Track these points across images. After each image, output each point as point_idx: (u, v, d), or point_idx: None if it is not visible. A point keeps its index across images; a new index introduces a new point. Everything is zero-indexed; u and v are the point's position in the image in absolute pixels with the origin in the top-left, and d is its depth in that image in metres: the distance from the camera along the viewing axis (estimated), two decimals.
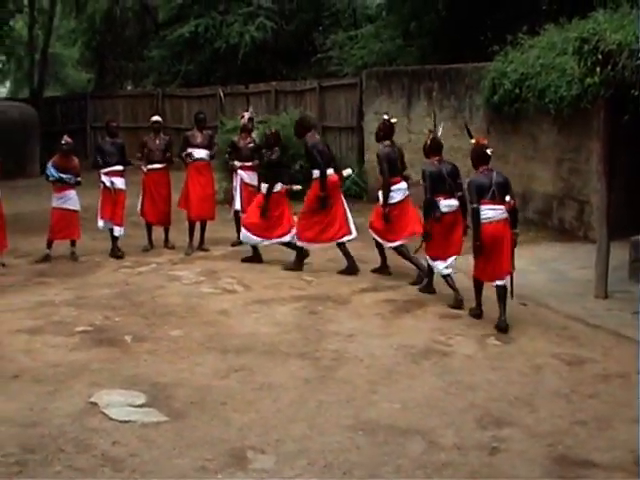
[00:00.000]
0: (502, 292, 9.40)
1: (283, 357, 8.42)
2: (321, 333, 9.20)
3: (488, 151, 10.00)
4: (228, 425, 6.74)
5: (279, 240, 12.60)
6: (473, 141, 10.32)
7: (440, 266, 10.51)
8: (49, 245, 13.42)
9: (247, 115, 14.65)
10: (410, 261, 11.57)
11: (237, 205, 14.11)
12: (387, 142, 11.91)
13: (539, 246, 13.65)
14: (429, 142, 10.86)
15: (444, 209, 10.33)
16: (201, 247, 13.97)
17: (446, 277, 10.57)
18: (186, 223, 14.06)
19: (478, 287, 9.85)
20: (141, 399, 7.32)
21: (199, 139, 14.03)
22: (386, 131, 11.98)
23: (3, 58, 40.38)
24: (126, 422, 6.82)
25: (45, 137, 26.49)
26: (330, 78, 23.00)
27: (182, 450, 6.28)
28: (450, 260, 10.48)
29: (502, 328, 9.18)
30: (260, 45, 26.94)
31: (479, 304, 9.84)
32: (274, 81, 24.72)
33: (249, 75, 25.97)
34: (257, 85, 24.78)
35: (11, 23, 32.58)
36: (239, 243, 13.75)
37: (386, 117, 12.22)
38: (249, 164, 14.05)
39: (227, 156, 14.52)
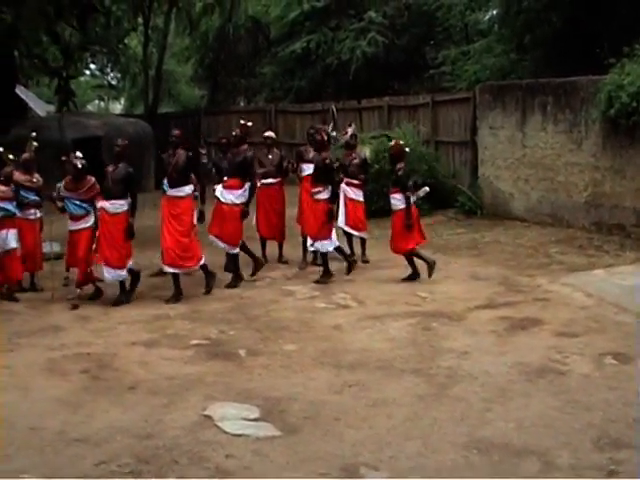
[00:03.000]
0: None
1: (397, 373, 8.35)
2: (435, 350, 9.10)
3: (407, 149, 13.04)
4: (341, 441, 6.70)
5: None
6: (392, 143, 13.34)
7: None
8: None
9: (350, 131, 14.63)
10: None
11: (341, 221, 14.11)
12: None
13: None
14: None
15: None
16: (314, 262, 14.00)
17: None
18: (300, 238, 14.11)
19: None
20: (255, 413, 7.34)
21: (312, 154, 14.07)
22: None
23: (118, 75, 41.40)
24: (240, 436, 6.84)
25: (160, 153, 26.97)
26: (443, 93, 22.84)
27: (295, 465, 6.26)
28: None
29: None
30: (371, 60, 26.92)
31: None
32: (385, 96, 24.67)
33: (360, 90, 25.96)
34: (370, 100, 24.74)
35: (126, 41, 33.45)
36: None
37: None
38: (354, 180, 14.06)
39: None
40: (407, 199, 12.46)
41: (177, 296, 11.93)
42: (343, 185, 14.02)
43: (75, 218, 12.21)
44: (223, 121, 29.00)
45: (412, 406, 7.45)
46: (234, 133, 13.24)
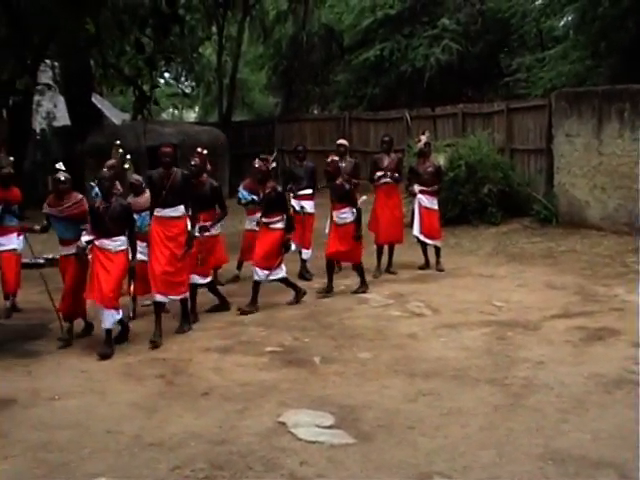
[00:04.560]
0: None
1: (472, 382, 8.30)
2: (510, 359, 9.02)
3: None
4: (416, 449, 6.67)
5: None
6: (328, 160, 12.93)
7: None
8: (239, 266, 13.73)
9: (424, 139, 14.55)
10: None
11: (416, 230, 14.09)
12: None
13: None
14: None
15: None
16: (389, 270, 13.99)
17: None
18: (374, 246, 14.11)
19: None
20: (329, 420, 7.34)
21: (386, 162, 14.05)
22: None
23: (193, 84, 41.84)
24: (314, 443, 6.85)
25: (234, 160, 27.20)
26: (518, 100, 22.65)
27: (369, 473, 6.25)
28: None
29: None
30: (445, 67, 26.82)
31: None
32: (459, 103, 24.55)
33: (434, 98, 25.87)
34: (444, 108, 24.63)
35: (200, 50, 33.79)
36: (427, 267, 13.85)
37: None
38: (428, 189, 14.03)
39: (407, 181, 14.50)
40: (358, 212, 12.45)
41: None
42: (419, 194, 14.01)
43: (64, 242, 10.84)
44: (297, 129, 29.17)
45: (487, 416, 7.39)
46: (193, 163, 11.96)
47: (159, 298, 10.57)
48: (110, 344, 9.93)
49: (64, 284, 10.70)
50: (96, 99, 32.18)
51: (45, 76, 27.71)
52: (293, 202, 13.71)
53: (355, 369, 8.84)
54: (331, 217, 12.85)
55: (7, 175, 12.29)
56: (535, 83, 22.90)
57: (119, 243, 10.10)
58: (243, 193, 13.60)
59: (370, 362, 9.08)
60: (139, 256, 10.77)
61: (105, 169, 10.74)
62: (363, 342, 9.88)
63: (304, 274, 13.78)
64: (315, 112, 36.50)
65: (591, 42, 20.94)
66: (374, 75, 29.09)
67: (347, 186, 12.55)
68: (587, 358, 9.04)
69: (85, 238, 10.22)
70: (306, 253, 13.85)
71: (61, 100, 28.77)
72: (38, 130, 28.64)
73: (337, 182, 12.63)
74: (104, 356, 9.66)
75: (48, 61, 26.60)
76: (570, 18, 24.02)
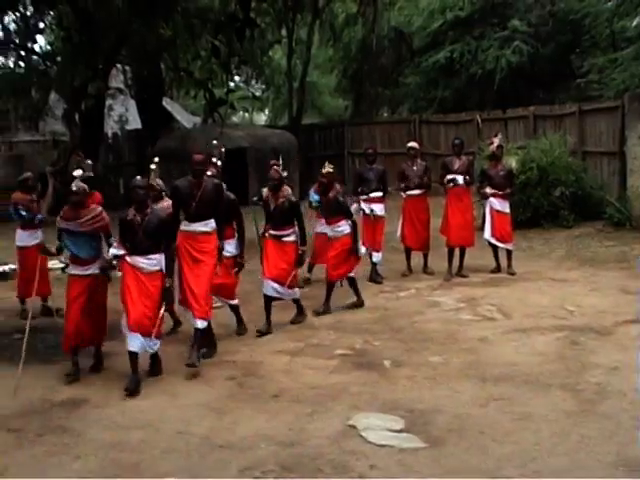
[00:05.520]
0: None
1: (544, 388, 8.22)
2: (583, 365, 8.91)
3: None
4: (486, 454, 6.63)
5: None
6: (324, 171, 11.87)
7: None
8: (310, 269, 13.76)
9: (496, 142, 14.45)
10: None
11: (487, 233, 14.02)
12: None
13: None
14: None
15: None
16: (460, 273, 13.93)
17: None
18: (445, 249, 14.07)
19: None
20: (399, 424, 7.34)
21: (457, 165, 13.99)
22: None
23: (263, 87, 42.09)
24: (384, 446, 6.85)
25: (304, 163, 27.30)
26: (590, 101, 22.36)
27: (439, 477, 6.23)
28: None
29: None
30: (516, 69, 26.60)
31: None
32: (530, 105, 24.33)
33: (505, 100, 25.70)
34: (515, 110, 24.45)
35: (270, 53, 33.99)
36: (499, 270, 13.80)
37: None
38: (500, 192, 13.95)
39: (479, 184, 14.41)
40: (354, 224, 11.92)
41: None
42: (490, 198, 13.95)
43: (77, 261, 9.36)
44: (367, 132, 29.22)
45: (558, 422, 7.32)
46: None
47: (200, 324, 9.46)
48: (136, 374, 8.78)
49: (70, 309, 9.24)
50: (167, 102, 32.54)
51: (117, 80, 28.11)
52: (363, 205, 13.73)
53: (425, 373, 8.82)
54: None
55: (88, 179, 11.61)
56: (607, 84, 22.56)
57: (154, 262, 8.96)
58: (313, 196, 13.62)
59: (441, 366, 9.05)
60: None
61: (138, 177, 9.48)
62: (434, 346, 9.86)
63: (375, 277, 13.76)
64: (385, 115, 36.49)
65: None
66: (444, 77, 29.01)
67: (340, 199, 11.95)
68: None
69: (114, 251, 9.17)
70: (377, 256, 13.82)
71: (133, 104, 29.18)
72: (110, 134, 29.04)
73: (330, 195, 11.97)
74: (132, 392, 8.51)
75: (119, 65, 26.96)
76: None
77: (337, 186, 12.15)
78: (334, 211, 12.00)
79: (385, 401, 7.95)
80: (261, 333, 10.80)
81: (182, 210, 9.70)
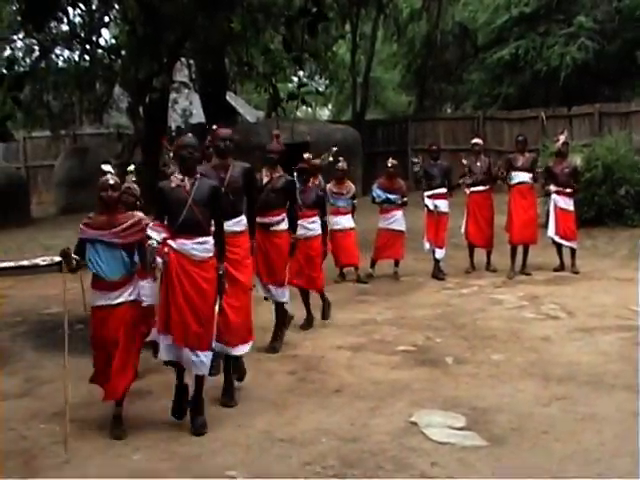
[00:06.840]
0: None
1: (607, 388, 8.12)
2: None
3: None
4: (549, 454, 6.56)
5: None
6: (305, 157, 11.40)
7: None
8: (372, 264, 13.78)
9: (562, 139, 14.32)
10: None
11: (551, 231, 13.91)
12: None
13: None
14: None
15: None
16: (523, 271, 13.85)
17: None
18: (508, 246, 13.98)
19: None
20: (461, 422, 7.29)
21: (520, 162, 13.90)
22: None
23: (326, 82, 42.12)
24: (445, 444, 6.80)
25: (367, 159, 27.25)
26: None
27: (501, 476, 6.16)
28: None
29: None
30: (581, 66, 26.31)
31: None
32: (596, 102, 24.06)
33: (570, 97, 25.47)
34: (580, 107, 24.23)
35: (334, 48, 33.99)
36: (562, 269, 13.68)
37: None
38: (565, 189, 13.83)
39: (543, 181, 14.29)
40: (324, 225, 10.99)
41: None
42: (553, 195, 13.84)
43: (103, 286, 7.11)
44: (430, 128, 29.14)
45: (623, 423, 7.21)
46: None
47: (244, 350, 8.22)
48: (201, 405, 7.39)
49: (99, 353, 7.33)
50: (230, 97, 32.66)
51: (181, 74, 28.28)
52: (427, 201, 13.69)
53: (488, 371, 8.77)
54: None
55: (164, 174, 9.96)
56: None
57: (207, 246, 7.10)
58: (377, 192, 13.67)
59: (503, 364, 8.99)
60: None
61: (189, 134, 7.42)
62: (496, 344, 9.80)
63: (437, 274, 13.73)
64: (448, 111, 36.34)
65: None
66: (508, 74, 28.81)
67: (320, 192, 11.24)
68: None
69: (155, 234, 6.95)
70: (440, 252, 13.78)
71: (196, 98, 29.32)
72: (174, 127, 29.24)
73: (309, 184, 11.06)
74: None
75: (184, 59, 27.12)
76: None
77: (320, 178, 12.04)
78: (311, 203, 10.77)
79: (447, 398, 7.90)
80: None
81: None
